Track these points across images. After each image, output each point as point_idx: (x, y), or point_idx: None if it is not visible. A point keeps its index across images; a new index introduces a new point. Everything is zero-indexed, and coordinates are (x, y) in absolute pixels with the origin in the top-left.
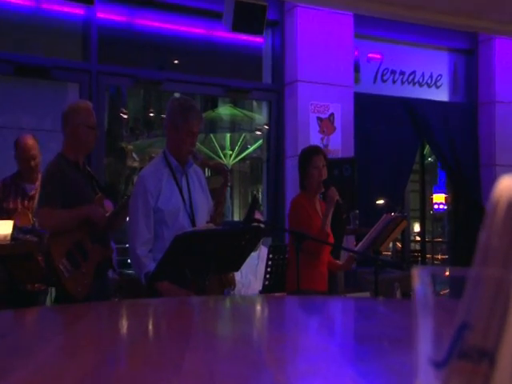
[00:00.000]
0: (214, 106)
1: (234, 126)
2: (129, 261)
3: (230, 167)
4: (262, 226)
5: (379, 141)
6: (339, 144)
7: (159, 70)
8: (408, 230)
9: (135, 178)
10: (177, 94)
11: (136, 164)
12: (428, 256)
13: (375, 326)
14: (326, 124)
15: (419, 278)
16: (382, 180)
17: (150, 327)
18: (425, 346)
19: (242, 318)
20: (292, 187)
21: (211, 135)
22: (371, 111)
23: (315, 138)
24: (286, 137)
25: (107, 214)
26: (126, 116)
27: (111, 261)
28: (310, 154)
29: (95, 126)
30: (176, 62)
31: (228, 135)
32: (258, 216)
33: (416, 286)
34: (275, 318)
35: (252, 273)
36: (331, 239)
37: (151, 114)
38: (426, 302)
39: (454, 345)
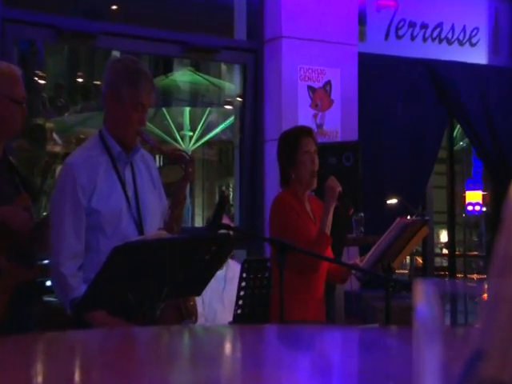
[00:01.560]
0: (169, 70)
1: (196, 98)
2: (49, 282)
3: (190, 154)
4: (233, 233)
5: (392, 119)
6: (338, 123)
7: (91, 20)
8: (431, 239)
9: (58, 169)
10: (116, 54)
11: (58, 149)
12: (459, 275)
13: (381, 361)
14: (321, 96)
15: (422, 294)
16: (395, 172)
17: (73, 370)
18: (430, 379)
19: (204, 355)
20: (274, 181)
21: (164, 110)
22: (382, 79)
23: (305, 115)
24: (265, 113)
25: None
26: (43, 82)
27: (38, 285)
28: (298, 135)
29: (23, 98)
30: (115, 7)
31: (187, 110)
32: (226, 221)
33: (418, 305)
34: (249, 355)
35: (217, 299)
36: (329, 250)
37: (80, 80)
38: (432, 325)
39: (465, 377)
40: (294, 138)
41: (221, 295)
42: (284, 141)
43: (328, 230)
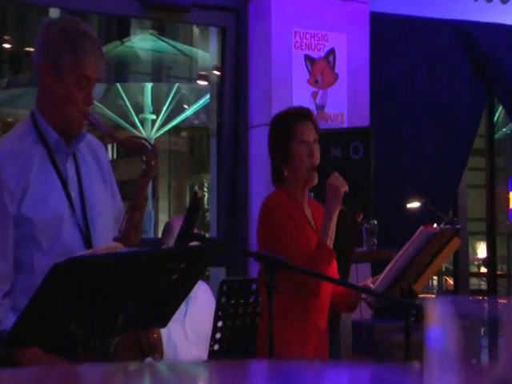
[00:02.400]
0: (124, 34)
1: (160, 71)
2: None
3: (152, 143)
4: (208, 246)
5: (414, 99)
6: (344, 104)
7: None
8: (465, 254)
9: None
10: (55, 12)
11: None
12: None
13: None
14: (322, 68)
15: (435, 316)
16: (417, 167)
17: None
18: None
19: None
20: (261, 179)
21: (118, 86)
22: (400, 46)
23: (302, 94)
24: (250, 91)
25: None
26: None
27: None
28: (293, 120)
29: None
30: None
31: (149, 87)
32: (198, 231)
33: (430, 329)
34: None
35: (177, 328)
36: (334, 268)
37: (7, 47)
38: (446, 354)
39: None
40: (289, 123)
41: (182, 322)
42: (275, 127)
43: (330, 242)
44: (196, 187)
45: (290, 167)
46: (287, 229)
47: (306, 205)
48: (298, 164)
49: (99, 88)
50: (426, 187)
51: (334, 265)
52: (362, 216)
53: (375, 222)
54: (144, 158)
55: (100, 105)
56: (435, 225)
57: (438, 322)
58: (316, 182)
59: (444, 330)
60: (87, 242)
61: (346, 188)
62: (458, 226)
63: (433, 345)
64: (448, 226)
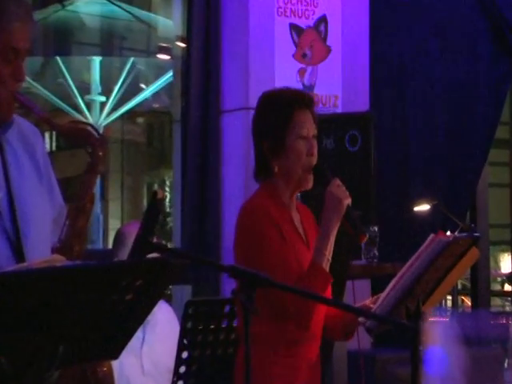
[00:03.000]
0: None
1: (111, 43)
2: None
3: (102, 132)
4: (171, 259)
5: (423, 78)
6: (338, 84)
7: None
8: (486, 268)
9: None
10: None
11: None
12: None
13: None
14: (311, 40)
15: (437, 334)
16: (428, 161)
17: None
18: None
19: None
20: (237, 175)
21: (58, 60)
22: (407, 13)
23: (286, 71)
24: (223, 67)
25: None
26: None
27: None
28: (291, 106)
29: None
30: None
31: (97, 62)
32: (158, 241)
33: (427, 351)
34: None
35: (132, 359)
36: (329, 292)
37: None
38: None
39: None
40: (286, 109)
41: (138, 352)
42: (268, 110)
43: (327, 264)
44: (155, 186)
45: (283, 164)
46: (273, 241)
47: (295, 211)
48: (294, 162)
49: (34, 62)
50: (437, 186)
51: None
52: (366, 238)
53: (376, 228)
54: (90, 150)
55: (35, 83)
56: (449, 232)
57: (440, 345)
58: (310, 185)
59: (447, 354)
60: (18, 253)
61: (349, 200)
62: (476, 234)
63: (432, 371)
64: (464, 234)
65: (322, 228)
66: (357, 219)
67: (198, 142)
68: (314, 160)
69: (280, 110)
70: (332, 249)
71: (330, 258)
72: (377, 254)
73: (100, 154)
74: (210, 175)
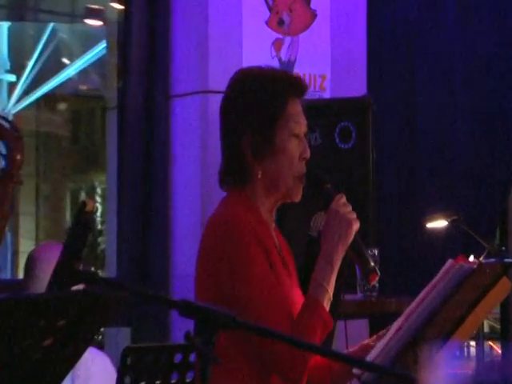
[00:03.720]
0: None
1: (24, 3)
2: None
3: (13, 123)
4: (104, 291)
5: (438, 53)
6: (326, 61)
7: None
8: None
9: None
10: None
11: None
12: None
13: None
14: (289, 2)
15: None
16: (443, 164)
17: None
18: None
19: None
20: (192, 180)
21: None
22: None
23: (258, 43)
24: (172, 40)
25: None
26: None
27: None
28: (284, 92)
29: None
30: None
31: (4, 29)
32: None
33: None
34: None
35: None
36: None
37: None
38: None
39: None
40: (278, 96)
41: None
42: (250, 95)
43: (327, 304)
44: (83, 195)
45: (269, 168)
46: (259, 266)
47: (273, 231)
48: (285, 167)
49: None
50: (456, 197)
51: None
52: (378, 277)
53: (375, 252)
54: (8, 148)
55: None
56: (472, 257)
57: None
58: (299, 198)
59: None
60: None
61: (358, 225)
62: (508, 260)
63: None
64: (492, 260)
65: (325, 255)
66: (366, 251)
67: (140, 136)
68: (305, 165)
69: (272, 96)
70: (334, 283)
71: (332, 296)
72: (376, 285)
73: (16, 155)
74: (155, 180)
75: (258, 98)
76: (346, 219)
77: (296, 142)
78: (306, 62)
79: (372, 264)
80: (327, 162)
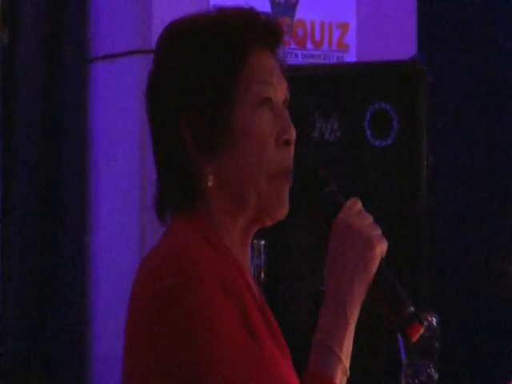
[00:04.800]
0: None
1: None
2: None
3: None
4: None
5: None
6: (350, 6)
7: None
8: None
9: None
10: None
11: None
12: None
13: None
14: None
15: None
16: None
17: None
18: None
19: None
20: (116, 183)
21: None
22: None
23: None
24: None
25: None
26: None
27: None
28: (239, 38)
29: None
30: None
31: None
32: None
33: None
34: None
35: None
36: None
37: None
38: None
39: None
40: (227, 47)
41: None
42: (187, 50)
43: (342, 378)
44: None
45: (225, 166)
46: (233, 339)
47: (250, 276)
48: (252, 160)
49: None
50: None
51: None
52: (422, 330)
53: (433, 319)
54: None
55: None
56: None
57: None
58: (284, 213)
59: None
60: None
61: (385, 246)
62: None
63: None
64: None
65: (333, 301)
66: (399, 286)
67: (39, 118)
68: (292, 154)
69: (222, 50)
70: (350, 350)
71: (348, 365)
72: (436, 375)
73: None
74: (65, 189)
75: (197, 56)
76: (365, 238)
77: (267, 114)
78: (315, 5)
79: (411, 308)
80: (350, 168)
